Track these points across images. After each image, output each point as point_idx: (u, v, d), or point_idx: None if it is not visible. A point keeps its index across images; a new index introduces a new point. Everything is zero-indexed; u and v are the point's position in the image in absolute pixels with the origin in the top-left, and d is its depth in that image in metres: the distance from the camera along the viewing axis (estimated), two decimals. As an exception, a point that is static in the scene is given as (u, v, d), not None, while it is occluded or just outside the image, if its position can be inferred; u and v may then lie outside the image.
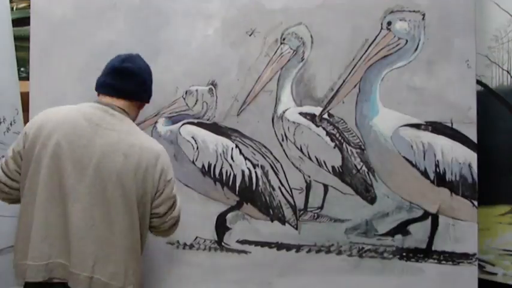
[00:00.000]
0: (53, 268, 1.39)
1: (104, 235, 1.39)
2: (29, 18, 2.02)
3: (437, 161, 1.76)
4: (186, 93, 1.90)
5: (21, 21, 2.25)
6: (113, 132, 1.45)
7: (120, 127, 1.48)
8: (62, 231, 1.39)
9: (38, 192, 1.39)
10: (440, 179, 1.76)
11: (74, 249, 1.38)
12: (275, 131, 1.84)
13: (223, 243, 1.88)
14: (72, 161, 1.40)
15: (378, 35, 1.78)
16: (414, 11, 1.77)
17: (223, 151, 1.87)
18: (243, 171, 1.86)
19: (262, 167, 1.85)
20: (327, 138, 1.82)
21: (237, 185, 1.86)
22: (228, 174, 1.86)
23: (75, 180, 1.39)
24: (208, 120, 1.89)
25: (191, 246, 1.89)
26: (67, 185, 1.39)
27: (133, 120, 1.58)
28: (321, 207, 1.82)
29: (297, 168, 1.84)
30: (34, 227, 1.39)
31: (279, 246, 1.84)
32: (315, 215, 1.83)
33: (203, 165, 1.88)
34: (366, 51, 1.79)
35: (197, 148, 1.88)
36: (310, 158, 1.82)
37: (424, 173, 1.76)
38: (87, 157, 1.41)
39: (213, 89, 1.88)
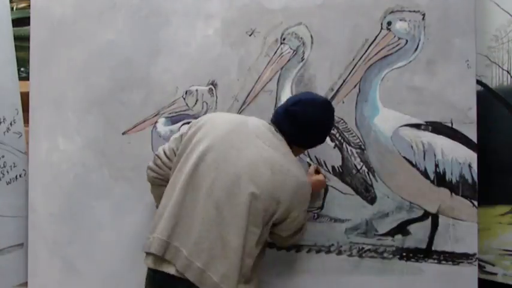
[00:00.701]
0: (167, 247, 1.42)
1: (224, 236, 1.39)
2: (29, 18, 2.02)
3: (437, 161, 1.76)
4: (186, 93, 1.90)
5: (21, 21, 2.25)
6: (269, 148, 1.45)
7: (277, 147, 1.47)
8: (189, 219, 1.41)
9: (182, 177, 1.43)
10: (440, 179, 1.76)
11: (193, 239, 1.39)
12: (275, 131, 1.84)
13: (223, 243, 1.87)
14: (218, 159, 1.42)
15: (377, 35, 1.78)
16: (414, 11, 1.77)
17: (223, 151, 1.86)
18: (243, 171, 1.85)
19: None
20: (327, 138, 1.82)
21: (237, 185, 1.86)
22: (228, 174, 1.86)
23: (214, 177, 1.41)
24: (208, 120, 1.89)
25: (191, 246, 1.89)
26: (206, 178, 1.41)
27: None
28: (321, 207, 1.82)
29: (297, 168, 1.84)
30: (169, 207, 1.43)
31: (279, 246, 1.84)
32: (315, 215, 1.83)
33: (203, 165, 1.87)
34: (366, 51, 1.79)
35: (197, 148, 1.88)
36: (310, 158, 1.82)
37: (424, 173, 1.76)
38: (234, 160, 1.42)
39: (213, 89, 1.88)
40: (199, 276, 1.37)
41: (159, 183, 1.60)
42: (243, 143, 1.44)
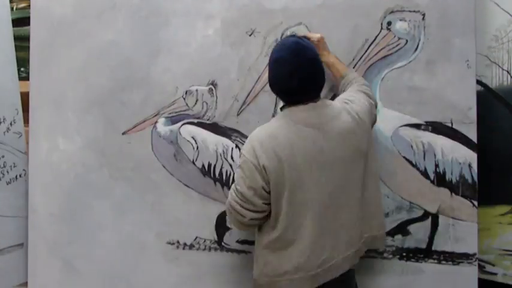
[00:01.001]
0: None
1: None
2: (29, 18, 2.02)
3: (437, 161, 1.76)
4: (186, 93, 1.90)
5: (21, 21, 2.25)
6: (335, 120, 1.47)
7: (331, 112, 1.49)
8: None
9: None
10: (440, 179, 1.76)
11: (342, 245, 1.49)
12: (275, 131, 1.84)
13: (223, 243, 1.88)
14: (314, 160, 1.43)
15: (377, 35, 1.78)
16: (414, 11, 1.77)
17: (223, 151, 1.87)
18: (243, 171, 1.86)
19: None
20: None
21: (237, 185, 1.86)
22: (228, 174, 1.86)
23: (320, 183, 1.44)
24: (208, 120, 1.89)
25: (191, 246, 1.89)
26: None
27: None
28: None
29: (297, 168, 1.84)
30: (306, 237, 1.45)
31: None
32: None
33: (203, 165, 1.88)
34: (366, 51, 1.79)
35: (197, 148, 1.88)
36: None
37: (424, 173, 1.76)
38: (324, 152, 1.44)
39: (213, 89, 1.88)
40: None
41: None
42: (317, 136, 1.44)
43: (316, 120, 1.45)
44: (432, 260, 1.77)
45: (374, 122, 1.62)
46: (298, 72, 1.44)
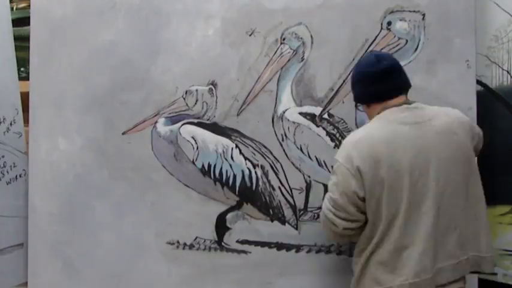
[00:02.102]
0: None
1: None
2: (29, 18, 2.02)
3: (438, 161, 1.75)
4: (186, 93, 1.90)
5: (21, 21, 2.25)
6: (433, 120, 1.42)
7: (428, 113, 1.44)
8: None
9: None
10: (440, 179, 1.75)
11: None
12: (275, 131, 1.84)
13: (223, 243, 1.88)
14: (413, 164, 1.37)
15: (377, 35, 1.78)
16: (414, 11, 1.77)
17: (223, 151, 1.87)
18: (243, 171, 1.86)
19: (262, 167, 1.85)
20: (327, 138, 1.82)
21: (237, 185, 1.86)
22: (228, 174, 1.87)
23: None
24: (208, 120, 1.89)
25: (191, 246, 1.89)
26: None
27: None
28: (321, 207, 1.82)
29: (297, 168, 1.84)
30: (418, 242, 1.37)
31: (279, 246, 1.84)
32: (315, 215, 1.82)
33: (203, 165, 1.88)
34: (366, 51, 1.78)
35: (197, 148, 1.88)
36: (310, 158, 1.82)
37: (424, 173, 1.76)
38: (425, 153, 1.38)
39: (213, 89, 1.88)
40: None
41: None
42: (416, 138, 1.39)
43: (412, 120, 1.40)
44: (432, 260, 1.76)
45: (477, 143, 1.51)
46: (382, 58, 1.45)
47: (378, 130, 1.41)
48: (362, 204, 1.40)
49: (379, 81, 1.44)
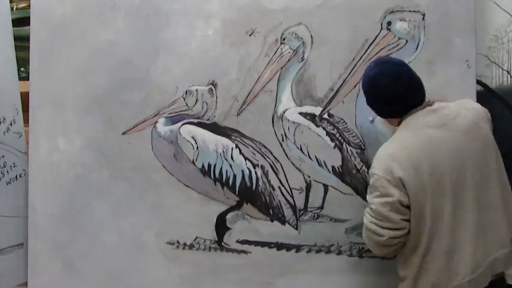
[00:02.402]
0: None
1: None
2: (29, 18, 2.02)
3: (438, 161, 1.75)
4: (186, 93, 1.90)
5: (21, 21, 2.25)
6: (457, 118, 1.44)
7: (451, 112, 1.46)
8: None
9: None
10: (440, 179, 1.75)
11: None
12: (275, 131, 1.84)
13: (223, 243, 1.88)
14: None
15: (377, 35, 1.78)
16: (414, 11, 1.77)
17: (223, 151, 1.87)
18: (243, 171, 1.86)
19: (262, 167, 1.85)
20: (327, 138, 1.82)
21: (237, 185, 1.86)
22: (228, 174, 1.87)
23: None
24: (208, 120, 1.89)
25: (191, 246, 1.89)
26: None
27: None
28: (321, 207, 1.82)
29: (297, 168, 1.84)
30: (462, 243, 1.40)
31: (279, 246, 1.84)
32: (315, 215, 1.83)
33: (203, 165, 1.88)
34: (366, 51, 1.79)
35: (197, 148, 1.88)
36: (310, 158, 1.82)
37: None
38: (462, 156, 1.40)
39: (213, 89, 1.88)
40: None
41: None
42: (449, 139, 1.41)
43: (439, 122, 1.42)
44: (432, 260, 1.76)
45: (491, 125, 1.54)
46: (399, 79, 1.44)
47: (411, 139, 1.42)
48: (406, 212, 1.40)
49: (399, 102, 1.46)
